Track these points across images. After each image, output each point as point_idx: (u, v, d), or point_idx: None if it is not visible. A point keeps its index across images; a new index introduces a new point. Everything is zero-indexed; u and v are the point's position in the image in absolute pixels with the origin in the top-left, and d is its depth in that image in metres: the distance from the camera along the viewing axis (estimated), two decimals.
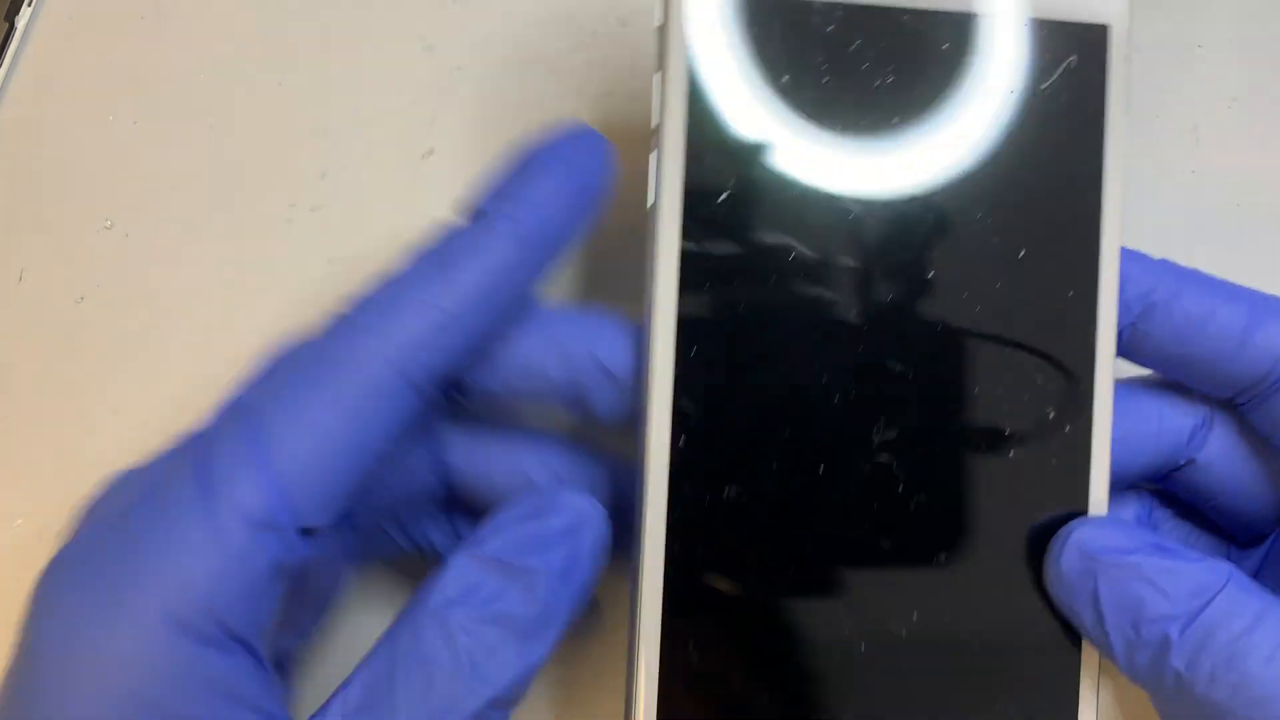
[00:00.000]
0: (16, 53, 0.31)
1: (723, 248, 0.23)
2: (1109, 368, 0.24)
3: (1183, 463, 0.25)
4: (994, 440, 0.24)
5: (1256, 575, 0.25)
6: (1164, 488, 0.26)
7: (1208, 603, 0.21)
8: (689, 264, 0.23)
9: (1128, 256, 0.24)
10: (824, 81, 0.23)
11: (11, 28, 0.30)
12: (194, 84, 0.31)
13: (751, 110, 0.23)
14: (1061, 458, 0.24)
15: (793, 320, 0.23)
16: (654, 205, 0.23)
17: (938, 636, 0.23)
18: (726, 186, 0.23)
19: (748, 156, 0.23)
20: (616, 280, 0.29)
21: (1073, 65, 0.23)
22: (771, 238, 0.23)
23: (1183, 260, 0.30)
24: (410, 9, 0.31)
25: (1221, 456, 0.25)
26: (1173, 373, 0.25)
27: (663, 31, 0.23)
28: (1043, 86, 0.24)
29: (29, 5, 0.31)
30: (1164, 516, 0.27)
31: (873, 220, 0.23)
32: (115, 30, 0.31)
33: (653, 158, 0.23)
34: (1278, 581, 0.24)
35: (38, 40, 0.31)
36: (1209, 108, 0.30)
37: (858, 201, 0.23)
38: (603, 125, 0.25)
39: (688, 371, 0.23)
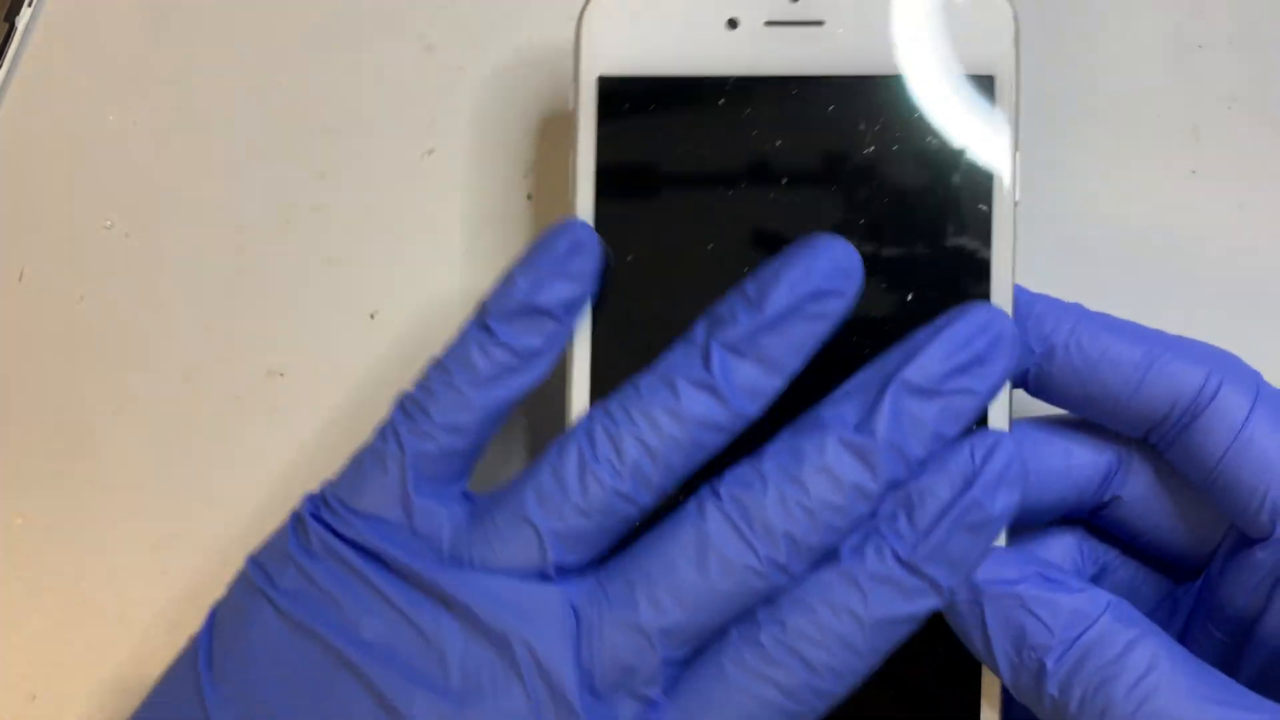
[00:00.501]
0: (17, 53, 0.31)
1: (627, 299, 0.25)
2: (1004, 404, 0.24)
3: (1106, 499, 0.26)
4: None
5: (1192, 610, 0.26)
6: (1098, 524, 0.27)
7: (1083, 632, 0.22)
8: (599, 319, 0.24)
9: (1031, 298, 0.25)
10: (721, 150, 0.25)
11: (12, 28, 0.30)
12: (194, 84, 0.31)
13: (655, 181, 0.25)
14: None
15: None
16: None
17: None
18: (630, 251, 0.25)
19: (652, 222, 0.25)
20: None
21: (960, 117, 0.24)
22: (676, 297, 0.25)
23: (1184, 260, 0.30)
24: (410, 9, 0.31)
25: (1144, 494, 0.26)
26: (1081, 413, 0.25)
27: (574, 114, 0.25)
28: (929, 139, 0.24)
29: (29, 5, 0.31)
30: (1103, 551, 0.27)
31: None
32: (115, 31, 0.31)
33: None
34: (1210, 616, 0.25)
35: (38, 40, 0.31)
36: (1209, 108, 0.30)
37: (753, 259, 0.24)
38: None
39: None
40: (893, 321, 0.24)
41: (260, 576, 0.23)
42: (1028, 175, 0.30)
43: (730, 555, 0.21)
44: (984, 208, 0.24)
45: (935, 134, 0.25)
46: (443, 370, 0.23)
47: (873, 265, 0.24)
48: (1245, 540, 0.24)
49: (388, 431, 0.23)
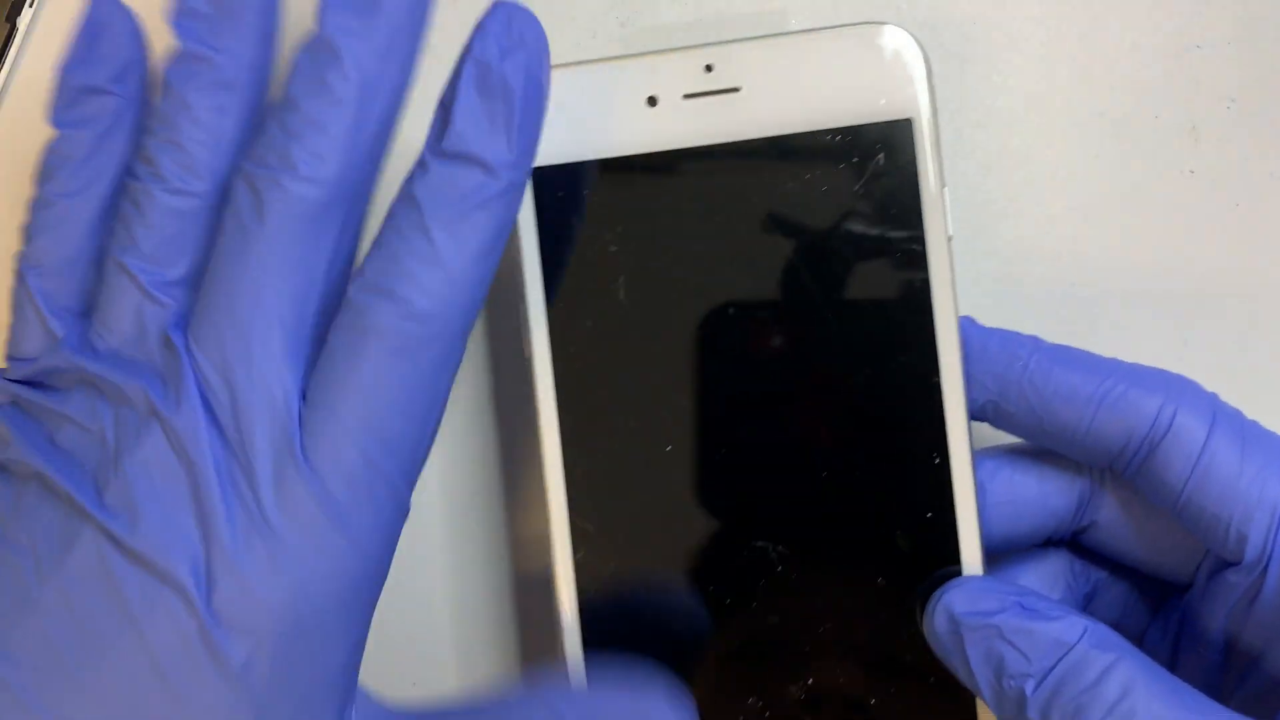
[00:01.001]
0: (18, 53, 0.31)
1: (598, 348, 0.26)
2: (964, 440, 0.25)
3: (1085, 524, 0.26)
4: (866, 514, 0.26)
5: (1180, 629, 0.26)
6: (1083, 546, 0.27)
7: (1060, 659, 0.22)
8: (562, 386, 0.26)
9: (985, 334, 0.25)
10: (657, 222, 0.26)
11: (13, 29, 0.30)
12: None
13: (599, 259, 0.26)
14: (932, 528, 0.25)
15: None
16: (529, 356, 0.26)
17: (836, 691, 0.26)
18: (586, 319, 0.26)
19: (601, 297, 0.26)
20: None
21: (882, 162, 0.25)
22: (631, 353, 0.26)
23: (1185, 259, 0.30)
24: None
25: (1119, 519, 0.26)
26: (1044, 444, 0.25)
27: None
28: (855, 187, 0.25)
29: (30, 6, 0.31)
30: (1094, 570, 0.27)
31: (718, 337, 0.26)
32: None
33: (521, 308, 0.26)
34: (1197, 635, 0.25)
35: (39, 41, 0.31)
36: (1208, 108, 0.30)
37: (704, 322, 0.26)
38: None
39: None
40: (843, 368, 0.25)
41: None
42: (1027, 175, 0.30)
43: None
44: (918, 246, 0.25)
45: (862, 181, 0.25)
46: (35, 193, 0.25)
47: (819, 315, 0.25)
48: (1221, 562, 0.24)
49: (15, 274, 0.24)
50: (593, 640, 0.26)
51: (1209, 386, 0.25)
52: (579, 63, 0.26)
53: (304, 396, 0.22)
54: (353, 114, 0.22)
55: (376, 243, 0.22)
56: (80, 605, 0.21)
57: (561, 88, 0.25)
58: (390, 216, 0.22)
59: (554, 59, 0.23)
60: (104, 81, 0.24)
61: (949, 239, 0.25)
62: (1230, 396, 0.25)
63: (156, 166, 0.23)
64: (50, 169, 0.24)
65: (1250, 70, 0.30)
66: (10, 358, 0.24)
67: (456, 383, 0.23)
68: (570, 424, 0.26)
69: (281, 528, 0.21)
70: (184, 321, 0.22)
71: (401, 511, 0.23)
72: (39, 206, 0.24)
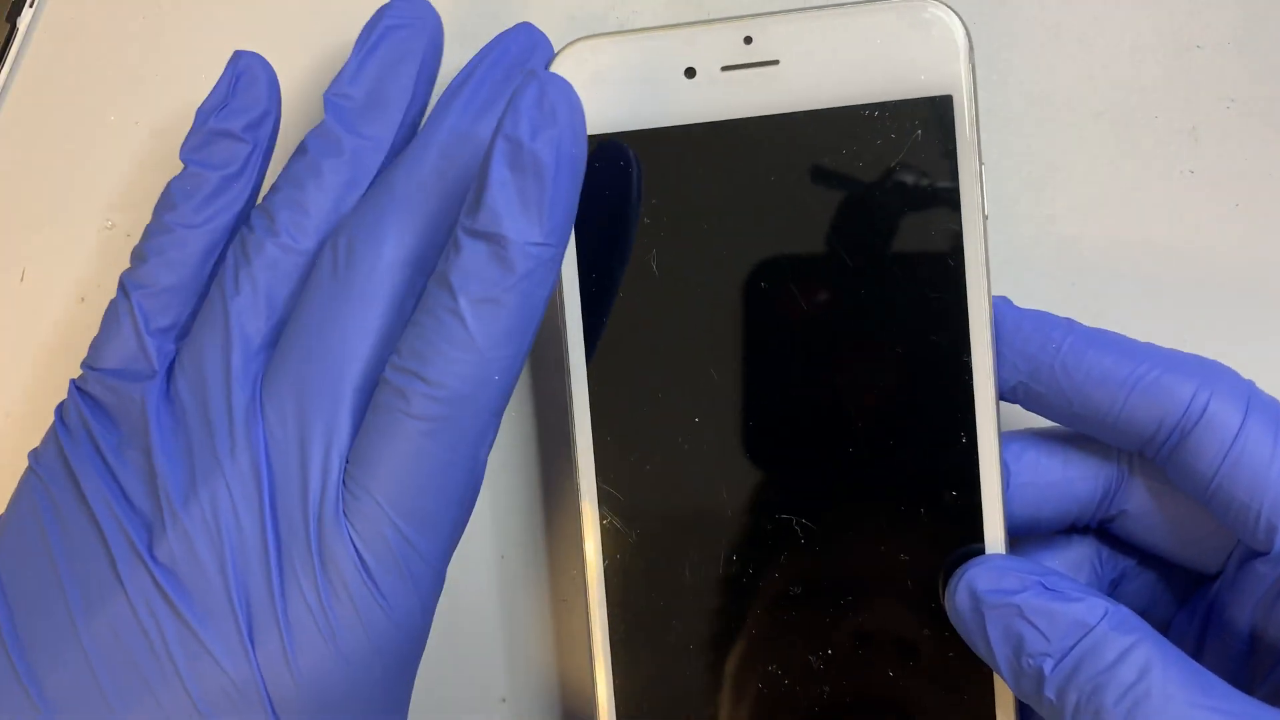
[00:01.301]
0: (19, 53, 0.31)
1: (619, 329, 0.26)
2: (992, 420, 0.25)
3: (1113, 513, 0.26)
4: (890, 489, 0.26)
5: (1207, 618, 0.26)
6: (1110, 534, 0.27)
7: (1079, 640, 0.22)
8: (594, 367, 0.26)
9: (1019, 315, 0.25)
10: (693, 194, 0.26)
11: (13, 29, 0.31)
12: (195, 84, 0.31)
13: (633, 230, 0.26)
14: (957, 505, 0.26)
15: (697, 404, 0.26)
16: (562, 325, 0.26)
17: (855, 663, 0.26)
18: (617, 290, 0.26)
19: (636, 267, 0.26)
20: None
21: (922, 137, 0.25)
22: (663, 323, 0.26)
23: (1185, 259, 0.30)
24: None
25: (1148, 508, 0.26)
26: (1075, 427, 0.25)
27: None
28: (894, 163, 0.25)
29: (30, 6, 0.31)
30: (1121, 557, 0.27)
31: (749, 310, 0.26)
32: (117, 31, 0.31)
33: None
34: (1224, 625, 0.25)
35: (40, 41, 0.31)
36: (1207, 108, 0.30)
37: (735, 295, 0.26)
38: None
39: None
40: (874, 344, 0.26)
41: (34, 454, 0.25)
42: (1027, 175, 0.30)
43: None
44: (954, 224, 0.25)
45: (900, 157, 0.25)
46: (154, 219, 0.25)
47: (851, 290, 0.25)
48: (1251, 552, 0.24)
49: (119, 288, 0.25)
50: (615, 599, 0.26)
51: None
52: (619, 32, 0.26)
53: (346, 470, 0.22)
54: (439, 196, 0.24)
55: (411, 321, 0.23)
56: (124, 646, 0.22)
57: (600, 58, 0.26)
58: (425, 296, 0.23)
59: (579, 41, 0.25)
60: (238, 128, 0.25)
61: (985, 217, 0.25)
62: None
63: (274, 221, 0.24)
64: (173, 199, 0.25)
65: (1250, 70, 0.30)
66: (90, 366, 0.25)
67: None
68: (600, 389, 0.26)
69: (324, 596, 0.22)
70: (260, 373, 0.23)
71: (438, 584, 0.23)
72: (156, 232, 0.25)
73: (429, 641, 0.31)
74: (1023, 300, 0.30)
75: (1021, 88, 0.30)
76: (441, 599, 0.31)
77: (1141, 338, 0.28)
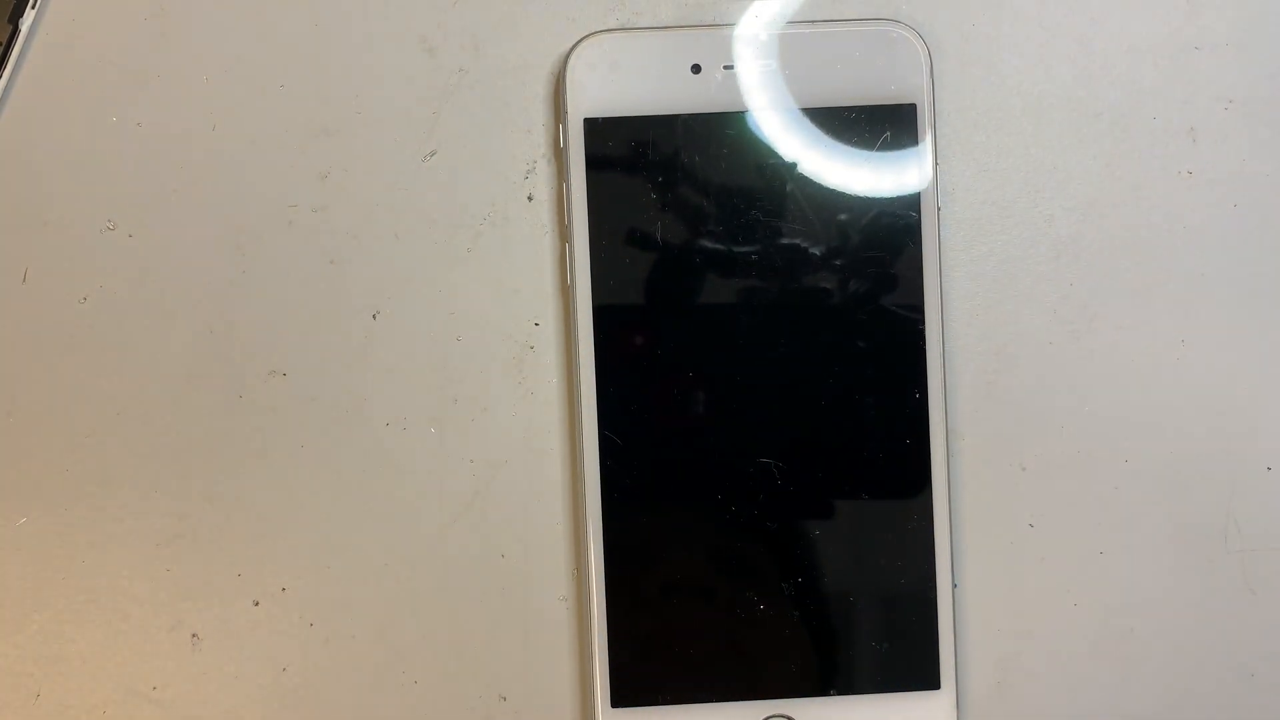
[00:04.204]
0: (20, 54, 0.31)
1: (625, 296, 0.30)
2: (940, 378, 0.29)
3: None
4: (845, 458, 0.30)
5: None
6: None
7: None
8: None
9: None
10: (692, 174, 0.29)
11: (15, 30, 0.31)
12: (197, 85, 0.31)
13: (639, 204, 0.29)
14: (908, 454, 0.30)
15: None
16: (572, 284, 0.30)
17: (817, 593, 0.30)
18: (624, 260, 0.29)
19: (641, 237, 0.29)
20: None
21: (888, 139, 0.29)
22: (666, 297, 0.29)
23: (1183, 259, 0.30)
24: (412, 11, 0.31)
25: None
26: None
27: (564, 151, 0.29)
28: (865, 158, 0.29)
29: (33, 7, 0.31)
30: None
31: (738, 278, 0.29)
32: (118, 32, 0.31)
33: (568, 242, 0.29)
34: None
35: (41, 42, 0.31)
36: (1206, 109, 0.30)
37: (727, 265, 0.29)
38: None
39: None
40: (841, 310, 0.29)
41: None
42: (1027, 176, 0.31)
43: None
44: (913, 212, 0.29)
45: (870, 153, 0.29)
46: None
47: (825, 264, 0.29)
48: None
49: None
50: (613, 532, 0.29)
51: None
52: (635, 29, 0.30)
53: None
54: None
55: None
56: None
57: (617, 50, 0.29)
58: None
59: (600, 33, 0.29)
60: None
61: (938, 209, 0.29)
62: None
63: None
64: None
65: (1248, 71, 0.30)
66: None
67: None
68: (604, 342, 0.29)
69: None
70: None
71: None
72: None
73: (429, 641, 0.31)
74: (1022, 300, 0.30)
75: (1020, 88, 0.31)
76: (441, 599, 0.31)
77: (1140, 338, 0.28)
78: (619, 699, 0.29)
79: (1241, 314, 0.30)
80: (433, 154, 0.31)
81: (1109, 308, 0.30)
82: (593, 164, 0.29)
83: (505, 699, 0.31)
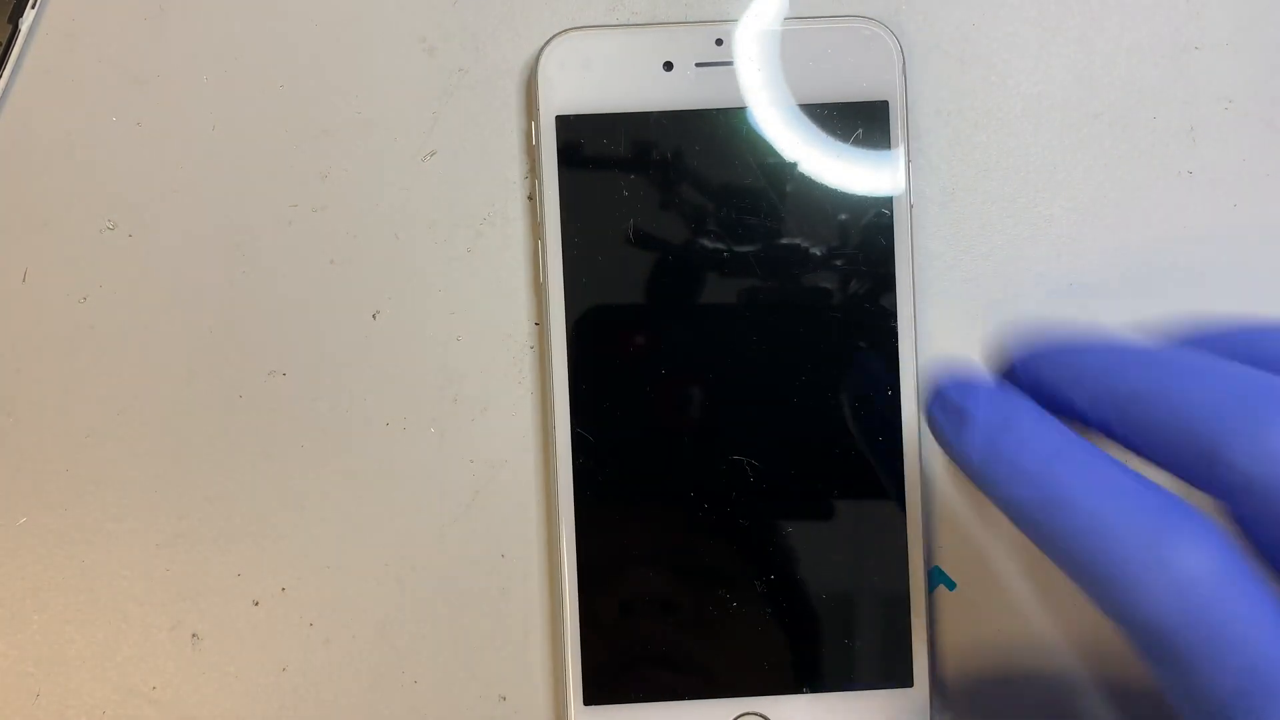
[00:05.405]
0: (20, 54, 0.31)
1: (597, 295, 0.30)
2: (912, 376, 0.29)
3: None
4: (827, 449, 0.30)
5: None
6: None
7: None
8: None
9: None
10: (664, 171, 0.29)
11: (15, 30, 0.31)
12: (197, 85, 0.31)
13: (611, 201, 0.29)
14: (881, 451, 0.30)
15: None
16: (545, 282, 0.30)
17: (791, 590, 0.30)
18: (596, 255, 0.29)
19: (612, 234, 0.29)
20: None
21: (860, 136, 0.29)
22: (637, 293, 0.29)
23: (1179, 261, 0.30)
24: (412, 11, 0.31)
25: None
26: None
27: (536, 148, 0.29)
28: (837, 155, 0.29)
29: (32, 7, 0.31)
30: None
31: (711, 275, 0.29)
32: (118, 32, 0.31)
33: (540, 240, 0.29)
34: None
35: (41, 42, 0.31)
36: (1206, 109, 0.30)
37: (699, 262, 0.29)
38: None
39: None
40: (816, 307, 0.29)
41: None
42: (1026, 176, 0.31)
43: None
44: (886, 210, 0.29)
45: (842, 151, 0.29)
46: None
47: (799, 262, 0.29)
48: None
49: None
50: (585, 530, 0.29)
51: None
52: (607, 26, 0.30)
53: None
54: None
55: None
56: None
57: (589, 46, 0.29)
58: None
59: (572, 30, 0.29)
60: None
61: (910, 206, 0.29)
62: None
63: None
64: None
65: (1248, 71, 0.30)
66: None
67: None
68: (575, 339, 0.29)
69: None
70: None
71: None
72: None
73: (429, 641, 0.31)
74: (1022, 300, 0.30)
75: (1020, 89, 0.31)
76: (441, 599, 0.31)
77: (1140, 338, 0.28)
78: (591, 696, 0.29)
79: (1242, 314, 0.30)
80: (432, 154, 0.31)
81: (1110, 308, 0.30)
82: (565, 161, 0.29)
83: (505, 699, 0.31)
